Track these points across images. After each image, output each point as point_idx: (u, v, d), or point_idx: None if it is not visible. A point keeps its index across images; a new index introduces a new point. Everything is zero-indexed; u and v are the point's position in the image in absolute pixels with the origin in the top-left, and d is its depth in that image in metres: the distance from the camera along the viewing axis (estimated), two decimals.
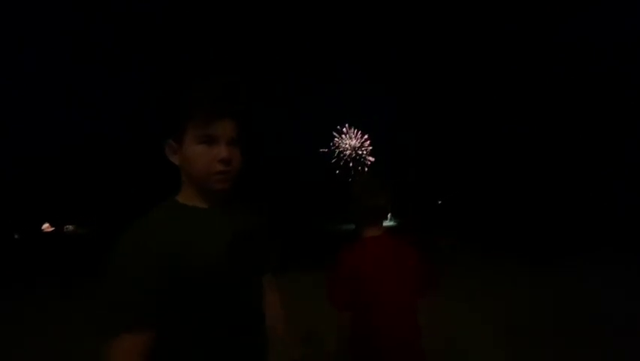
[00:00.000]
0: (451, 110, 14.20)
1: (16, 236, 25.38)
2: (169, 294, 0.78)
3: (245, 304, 0.90)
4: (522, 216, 12.12)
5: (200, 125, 0.82)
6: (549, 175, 11.87)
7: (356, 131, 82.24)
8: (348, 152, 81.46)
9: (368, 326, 1.19)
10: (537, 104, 12.96)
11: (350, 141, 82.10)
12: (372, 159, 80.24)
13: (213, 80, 0.87)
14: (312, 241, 14.87)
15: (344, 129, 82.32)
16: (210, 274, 0.82)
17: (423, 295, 1.29)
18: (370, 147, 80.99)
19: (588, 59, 12.33)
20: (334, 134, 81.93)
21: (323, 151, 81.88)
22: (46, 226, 26.58)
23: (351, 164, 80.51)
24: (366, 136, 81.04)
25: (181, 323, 0.81)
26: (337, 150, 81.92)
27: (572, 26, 13.09)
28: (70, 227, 27.94)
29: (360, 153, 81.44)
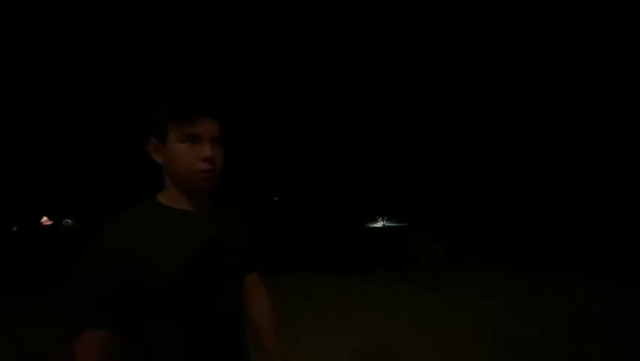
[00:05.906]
0: (453, 113, 14.16)
1: (14, 228, 25.46)
2: (132, 296, 0.77)
3: (218, 311, 0.88)
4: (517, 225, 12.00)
5: (183, 123, 0.83)
6: (556, 182, 11.80)
7: None
8: None
9: None
10: (539, 108, 12.92)
11: None
12: None
13: (195, 83, 0.92)
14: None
15: None
16: (177, 279, 0.80)
17: None
18: None
19: (591, 59, 12.29)
20: None
21: None
22: (44, 220, 26.56)
23: None
24: None
25: (148, 327, 0.80)
26: None
27: (571, 26, 13.03)
28: (68, 221, 27.94)
29: None
